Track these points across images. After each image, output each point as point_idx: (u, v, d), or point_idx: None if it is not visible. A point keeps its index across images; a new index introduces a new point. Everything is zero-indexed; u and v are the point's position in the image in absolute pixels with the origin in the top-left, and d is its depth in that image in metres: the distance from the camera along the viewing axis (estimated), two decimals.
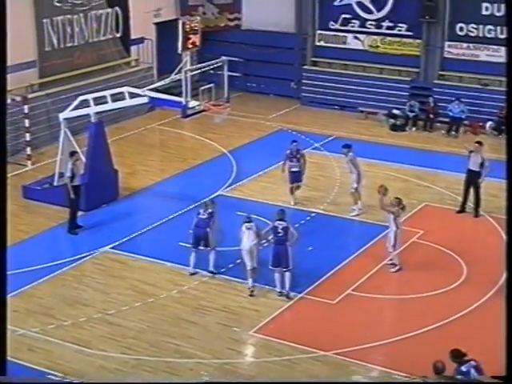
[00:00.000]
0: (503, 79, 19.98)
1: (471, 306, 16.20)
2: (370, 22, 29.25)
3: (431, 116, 27.72)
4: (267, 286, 16.98)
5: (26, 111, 23.89)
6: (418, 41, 28.58)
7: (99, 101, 20.92)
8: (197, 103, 20.17)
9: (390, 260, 17.84)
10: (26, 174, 23.11)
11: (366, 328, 15.68)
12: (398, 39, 28.97)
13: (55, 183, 21.18)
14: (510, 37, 10.56)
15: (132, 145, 25.91)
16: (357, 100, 29.28)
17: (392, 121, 27.89)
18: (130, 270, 17.85)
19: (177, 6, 31.12)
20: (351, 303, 16.57)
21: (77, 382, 14.09)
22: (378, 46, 29.35)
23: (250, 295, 16.76)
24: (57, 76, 26.30)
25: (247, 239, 16.91)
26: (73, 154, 19.75)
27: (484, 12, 26.98)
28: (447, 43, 28.21)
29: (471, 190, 20.52)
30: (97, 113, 20.82)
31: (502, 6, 25.73)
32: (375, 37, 29.29)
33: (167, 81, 21.31)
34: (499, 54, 26.25)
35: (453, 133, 27.16)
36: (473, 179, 20.38)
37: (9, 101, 23.47)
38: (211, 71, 21.24)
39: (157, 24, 30.36)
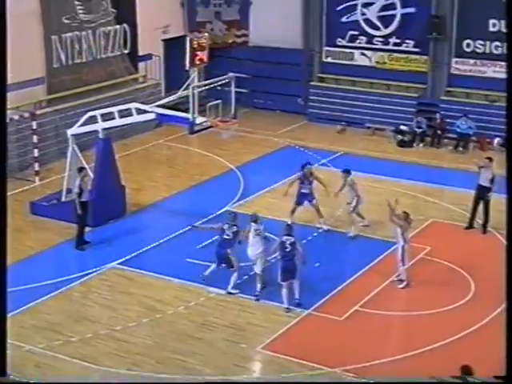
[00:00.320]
0: None
1: (479, 323, 16.13)
2: (377, 39, 29.32)
3: (438, 132, 27.72)
4: (274, 303, 16.94)
5: (34, 127, 23.99)
6: (425, 57, 28.62)
7: (107, 117, 20.99)
8: (204, 119, 20.22)
9: (398, 276, 17.78)
10: (33, 190, 23.17)
11: (374, 345, 15.62)
12: (405, 55, 29.02)
13: (63, 199, 21.22)
14: (510, 52, 10.60)
15: (139, 161, 25.96)
16: (364, 116, 29.30)
17: (399, 137, 27.89)
18: (137, 286, 17.83)
19: (185, 23, 31.28)
20: (359, 320, 16.51)
21: (77, 382, 14.07)
22: (385, 63, 29.40)
23: (256, 300, 16.98)
24: (65, 92, 26.42)
25: (252, 246, 17.13)
26: (81, 170, 19.79)
27: (491, 28, 27.01)
28: (454, 59, 28.25)
29: (480, 206, 20.48)
30: (104, 129, 20.88)
31: None
32: (382, 53, 29.35)
33: (175, 97, 21.38)
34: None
35: (460, 149, 27.14)
36: (483, 195, 20.36)
37: (17, 117, 23.67)
38: (218, 87, 21.29)
39: (164, 40, 30.50)
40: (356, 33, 29.55)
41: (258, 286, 17.23)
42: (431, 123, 28.02)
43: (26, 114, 24.00)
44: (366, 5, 29.21)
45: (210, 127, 20.59)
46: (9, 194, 22.37)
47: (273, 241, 17.42)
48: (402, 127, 28.07)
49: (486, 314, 16.27)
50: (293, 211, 20.48)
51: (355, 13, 29.38)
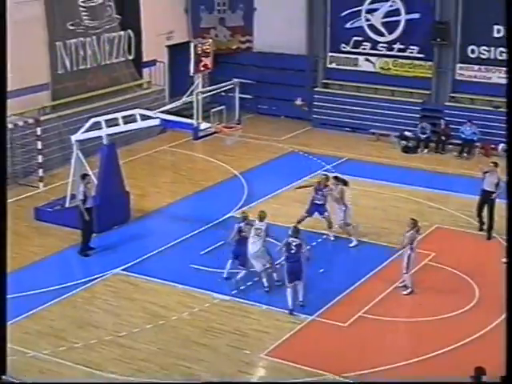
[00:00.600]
0: None
1: (484, 329, 16.09)
2: (381, 45, 29.32)
3: (443, 138, 27.70)
4: (278, 309, 16.93)
5: (38, 133, 24.02)
6: (430, 63, 28.61)
7: (111, 123, 21.00)
8: (208, 125, 20.21)
9: (402, 282, 17.75)
10: (37, 196, 23.19)
11: (378, 351, 15.59)
12: (409, 61, 29.02)
13: (67, 205, 21.22)
14: (511, 57, 10.59)
15: (144, 167, 25.97)
16: (368, 122, 29.29)
17: (404, 143, 27.87)
18: (142, 292, 17.83)
19: (189, 29, 31.33)
20: (363, 326, 16.48)
21: (76, 382, 14.06)
22: (389, 68, 29.40)
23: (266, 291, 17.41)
24: (69, 98, 26.45)
25: (252, 245, 17.42)
26: (84, 176, 19.80)
27: (495, 34, 27.00)
28: (459, 65, 28.24)
29: (485, 211, 20.48)
30: (109, 135, 20.89)
31: None
32: (387, 59, 29.35)
33: (179, 103, 21.39)
34: None
35: (465, 155, 27.12)
36: (487, 200, 20.36)
37: (21, 123, 23.71)
38: (223, 93, 21.30)
39: (169, 46, 30.54)
40: (360, 39, 29.56)
41: (264, 280, 17.55)
42: (435, 129, 28.01)
43: (31, 120, 24.04)
44: (370, 11, 29.23)
45: (215, 133, 20.59)
46: (13, 199, 22.59)
47: (273, 247, 17.61)
48: (407, 133, 28.05)
49: (491, 321, 16.22)
50: (300, 221, 19.79)
51: (359, 19, 29.40)
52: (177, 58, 29.61)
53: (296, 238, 16.87)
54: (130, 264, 19.00)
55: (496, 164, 20.76)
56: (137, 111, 20.77)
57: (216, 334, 16.10)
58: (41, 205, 21.90)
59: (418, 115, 28.68)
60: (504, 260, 17.37)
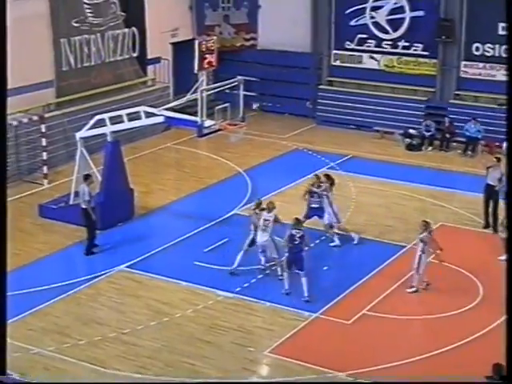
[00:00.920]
0: None
1: (488, 326, 16.08)
2: (385, 42, 29.30)
3: (447, 136, 27.68)
4: (282, 306, 16.94)
5: (43, 130, 24.04)
6: (434, 60, 28.59)
7: (115, 120, 21.01)
8: (212, 122, 20.22)
9: (412, 282, 17.67)
10: (42, 193, 23.21)
11: (382, 348, 15.60)
12: (413, 59, 28.99)
13: (71, 202, 21.25)
14: (510, 53, 10.60)
15: (148, 164, 25.99)
16: (372, 119, 29.27)
17: (408, 140, 27.85)
18: (146, 289, 17.85)
19: (193, 26, 31.32)
20: (366, 323, 16.49)
21: (77, 382, 14.09)
22: (393, 66, 29.38)
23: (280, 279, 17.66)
24: (74, 95, 26.45)
25: (261, 235, 17.79)
26: (87, 177, 19.72)
27: (500, 32, 26.93)
28: (463, 63, 28.21)
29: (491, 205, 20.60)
30: (113, 132, 20.91)
31: None
32: (391, 56, 29.32)
33: (183, 100, 21.41)
34: None
35: (469, 152, 27.10)
36: (491, 194, 20.43)
37: (26, 120, 23.73)
38: (227, 91, 21.32)
39: (173, 44, 30.53)
40: (365, 36, 29.54)
41: (279, 269, 17.80)
42: (440, 127, 27.98)
43: (35, 117, 24.05)
44: (374, 8, 29.21)
45: (219, 130, 20.60)
46: (17, 196, 22.65)
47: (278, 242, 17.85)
48: (411, 131, 28.04)
49: (495, 319, 16.19)
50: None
51: (364, 16, 29.38)
52: (181, 56, 29.61)
53: (299, 229, 17.18)
54: (134, 261, 19.02)
55: (499, 159, 20.84)
56: (141, 108, 20.78)
57: (220, 331, 16.12)
58: (45, 202, 21.93)
59: (422, 113, 28.66)
60: (502, 258, 17.42)
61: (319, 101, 30.44)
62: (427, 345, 15.54)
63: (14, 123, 23.10)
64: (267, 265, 18.31)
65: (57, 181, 24.07)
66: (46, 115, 24.77)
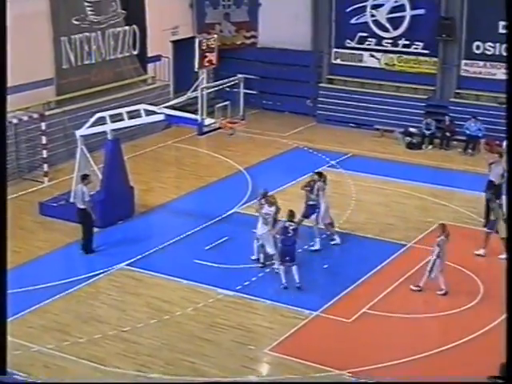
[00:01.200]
0: None
1: (488, 325, 16.08)
2: (386, 40, 29.29)
3: (447, 134, 27.67)
4: (282, 304, 16.94)
5: (43, 128, 24.02)
6: (435, 59, 28.56)
7: (116, 118, 21.01)
8: (212, 121, 20.21)
9: (417, 286, 17.51)
10: (42, 191, 23.21)
11: (382, 347, 15.60)
12: (414, 57, 28.97)
13: (71, 200, 21.22)
14: (510, 53, 10.55)
15: (148, 162, 25.98)
16: (373, 118, 29.26)
17: (408, 139, 27.84)
18: (146, 287, 17.85)
19: (194, 24, 31.31)
20: (367, 322, 16.49)
21: (77, 382, 14.09)
22: (394, 64, 29.37)
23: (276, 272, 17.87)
24: (74, 93, 26.44)
25: (260, 227, 18.04)
26: (84, 177, 19.57)
27: (501, 30, 26.90)
28: (464, 61, 28.19)
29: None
30: (113, 130, 20.91)
31: None
32: (391, 55, 29.31)
33: (183, 98, 21.39)
34: None
35: (469, 151, 27.09)
36: (494, 191, 20.43)
37: (26, 118, 23.71)
38: (227, 89, 21.29)
39: (174, 42, 30.52)
40: (365, 34, 29.52)
41: (276, 264, 17.94)
42: (440, 125, 27.97)
43: (35, 115, 24.04)
44: (375, 6, 29.18)
45: (219, 128, 20.59)
46: (18, 194, 22.64)
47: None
48: (411, 129, 28.02)
49: (496, 316, 16.18)
50: (299, 223, 19.30)
51: (364, 14, 29.36)
52: (181, 54, 29.60)
53: (292, 221, 17.41)
54: (134, 259, 19.02)
55: (501, 155, 20.86)
56: (141, 106, 20.77)
57: (220, 329, 16.12)
58: (46, 200, 21.93)
59: (422, 111, 28.65)
60: (502, 256, 17.42)
61: (319, 99, 30.43)
62: (428, 343, 15.53)
63: (14, 121, 23.10)
64: (267, 263, 18.30)
65: (57, 179, 24.06)
66: (46, 113, 24.75)
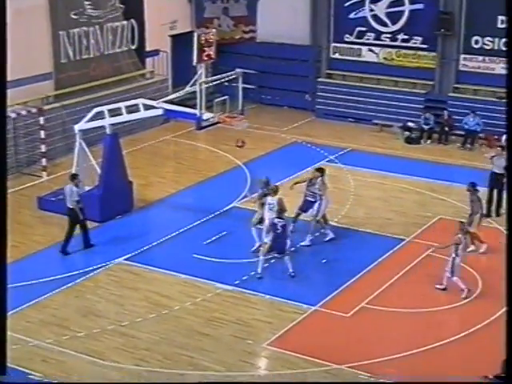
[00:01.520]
0: None
1: (487, 319, 16.10)
2: (385, 35, 29.27)
3: (446, 129, 27.67)
4: (280, 299, 16.96)
5: (41, 122, 24.01)
6: (433, 53, 28.55)
7: (114, 112, 21.00)
8: (211, 115, 20.20)
9: (441, 284, 17.41)
10: (41, 185, 23.20)
11: (380, 341, 15.61)
12: (413, 52, 28.96)
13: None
14: (510, 47, 10.55)
15: (147, 156, 25.97)
16: (371, 112, 29.25)
17: (407, 133, 27.84)
18: (144, 282, 17.86)
19: (192, 19, 31.26)
20: (365, 316, 16.50)
21: (78, 382, 14.10)
22: (392, 59, 29.35)
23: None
24: (72, 88, 26.42)
25: (269, 214, 18.11)
26: (74, 176, 19.38)
27: (500, 25, 26.91)
28: (462, 56, 28.18)
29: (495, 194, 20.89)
30: (112, 124, 20.89)
31: None
32: (390, 49, 29.28)
33: (182, 93, 21.37)
34: None
35: (468, 146, 27.09)
36: (497, 182, 20.52)
37: (24, 112, 23.70)
38: (226, 83, 21.27)
39: (172, 36, 30.49)
40: (364, 29, 29.50)
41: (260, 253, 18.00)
42: (439, 120, 27.97)
43: (34, 110, 24.02)
44: (373, 1, 29.14)
45: (218, 123, 20.57)
46: (16, 189, 22.62)
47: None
48: (410, 124, 28.03)
49: (494, 311, 16.22)
50: (296, 216, 19.68)
51: (363, 9, 29.33)
52: (180, 48, 29.55)
53: (281, 218, 17.45)
54: (132, 254, 19.03)
55: (503, 147, 20.91)
56: (140, 101, 20.75)
57: (219, 323, 16.13)
58: (44, 194, 21.92)
59: (421, 106, 28.64)
60: (469, 249, 17.77)
61: (318, 94, 30.41)
62: (426, 338, 15.54)
63: (13, 115, 23.08)
64: (274, 254, 18.25)
65: (55, 173, 24.05)
66: (45, 107, 24.74)
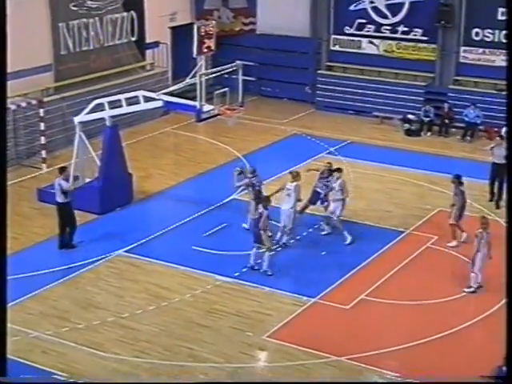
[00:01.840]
0: None
1: (486, 311, 16.13)
2: (385, 27, 29.22)
3: (446, 121, 27.65)
4: (280, 291, 16.98)
5: (41, 114, 23.99)
6: (434, 46, 28.51)
7: (114, 104, 20.98)
8: (211, 107, 20.18)
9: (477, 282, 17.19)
10: (41, 177, 23.20)
11: (380, 333, 15.64)
12: (413, 44, 28.92)
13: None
14: (510, 39, 10.54)
15: (146, 148, 25.96)
16: (371, 105, 29.23)
17: (407, 126, 27.82)
18: (144, 274, 17.87)
19: (192, 11, 31.21)
20: (365, 308, 16.53)
21: (78, 382, 14.12)
22: (393, 51, 29.31)
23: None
24: (72, 80, 26.40)
25: (285, 203, 18.42)
26: (63, 169, 19.15)
27: (500, 17, 26.87)
28: (463, 48, 28.14)
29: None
30: (112, 116, 20.88)
31: None
32: (390, 41, 29.24)
33: (182, 85, 21.35)
34: None
35: (468, 138, 27.08)
36: (498, 172, 20.57)
37: (24, 104, 23.68)
38: (226, 75, 21.24)
39: (172, 28, 30.44)
40: (364, 21, 29.44)
41: (285, 237, 18.65)
42: (439, 112, 27.95)
43: (34, 102, 24.01)
44: None
45: (217, 115, 20.56)
46: (16, 180, 22.61)
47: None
48: (410, 116, 28.00)
49: (493, 303, 16.24)
50: (302, 210, 19.57)
51: (363, 1, 29.27)
52: (180, 40, 29.52)
53: (266, 208, 17.43)
54: (132, 245, 19.04)
55: (502, 137, 20.94)
56: (140, 93, 20.74)
57: (218, 315, 16.15)
58: (44, 186, 21.91)
59: (421, 98, 28.61)
60: (450, 244, 18.18)
61: (318, 86, 30.38)
62: (426, 330, 15.56)
63: (13, 107, 23.06)
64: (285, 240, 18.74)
65: (55, 165, 23.90)
66: (45, 99, 24.73)
